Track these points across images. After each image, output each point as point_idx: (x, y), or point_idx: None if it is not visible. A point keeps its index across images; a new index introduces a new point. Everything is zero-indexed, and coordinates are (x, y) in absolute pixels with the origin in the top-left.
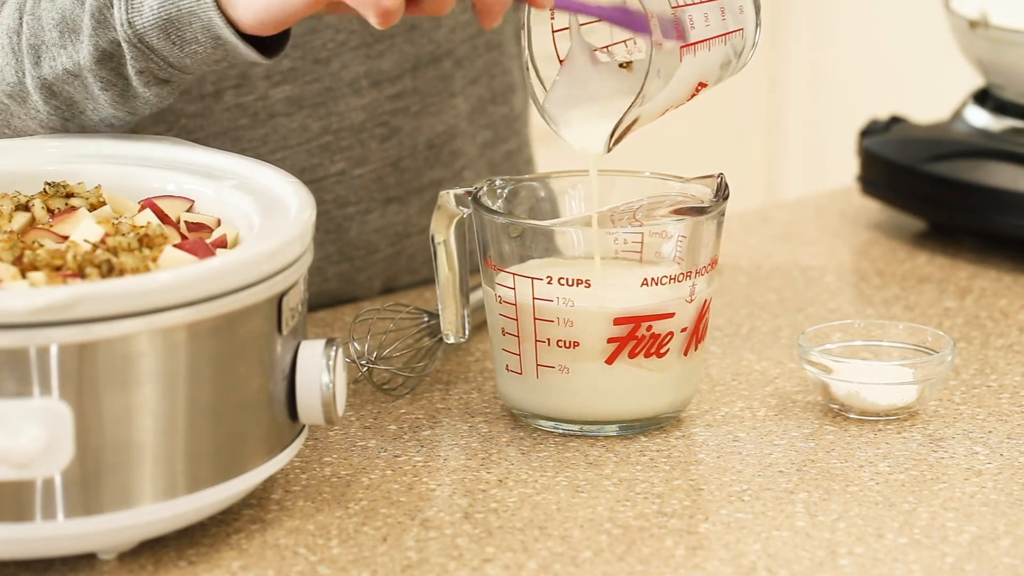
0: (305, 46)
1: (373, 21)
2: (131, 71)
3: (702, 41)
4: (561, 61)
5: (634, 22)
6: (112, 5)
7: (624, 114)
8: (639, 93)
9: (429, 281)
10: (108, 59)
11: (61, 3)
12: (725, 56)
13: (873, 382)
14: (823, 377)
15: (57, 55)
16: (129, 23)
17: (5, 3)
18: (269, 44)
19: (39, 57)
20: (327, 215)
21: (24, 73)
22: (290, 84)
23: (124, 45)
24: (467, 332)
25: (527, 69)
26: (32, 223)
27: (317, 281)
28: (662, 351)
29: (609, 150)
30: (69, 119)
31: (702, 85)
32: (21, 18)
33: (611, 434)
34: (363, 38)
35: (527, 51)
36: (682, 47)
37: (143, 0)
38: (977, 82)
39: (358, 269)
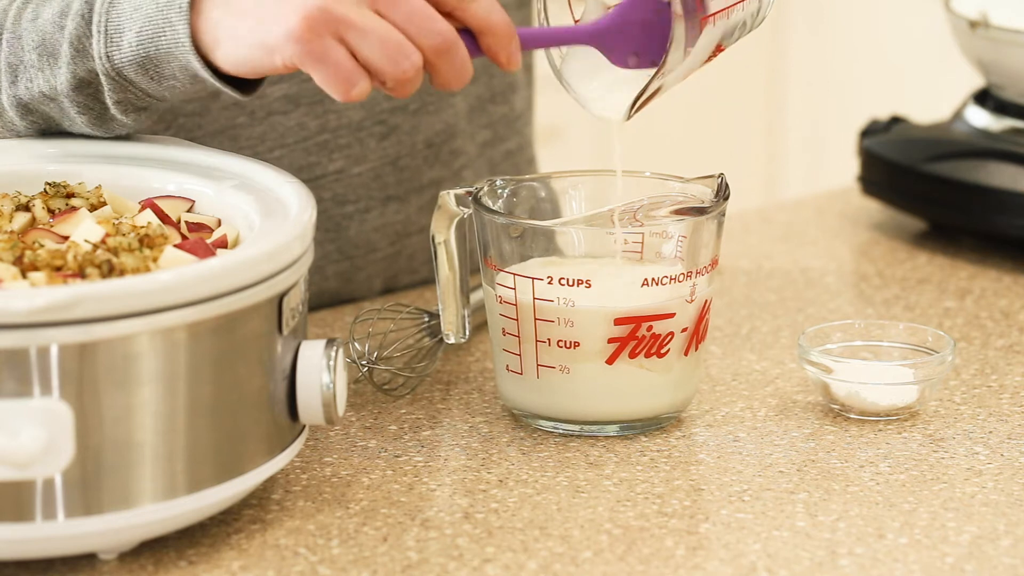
0: None
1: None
2: (109, 100)
3: (722, 10)
4: (576, 22)
5: None
6: (91, 35)
7: (646, 85)
8: (661, 66)
9: (429, 281)
10: (86, 86)
11: (42, 25)
12: (742, 18)
13: (873, 382)
14: (823, 377)
15: (34, 77)
16: (107, 56)
17: None
18: (248, 81)
19: (16, 76)
20: (326, 213)
21: (0, 90)
22: (287, 82)
23: (102, 77)
24: (467, 332)
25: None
26: (32, 223)
27: (317, 280)
28: (662, 351)
29: (628, 118)
30: (46, 130)
31: (720, 49)
32: (1, 35)
33: (611, 434)
34: None
35: (543, 11)
36: (703, 18)
37: (122, 35)
38: (977, 82)
39: (358, 268)
